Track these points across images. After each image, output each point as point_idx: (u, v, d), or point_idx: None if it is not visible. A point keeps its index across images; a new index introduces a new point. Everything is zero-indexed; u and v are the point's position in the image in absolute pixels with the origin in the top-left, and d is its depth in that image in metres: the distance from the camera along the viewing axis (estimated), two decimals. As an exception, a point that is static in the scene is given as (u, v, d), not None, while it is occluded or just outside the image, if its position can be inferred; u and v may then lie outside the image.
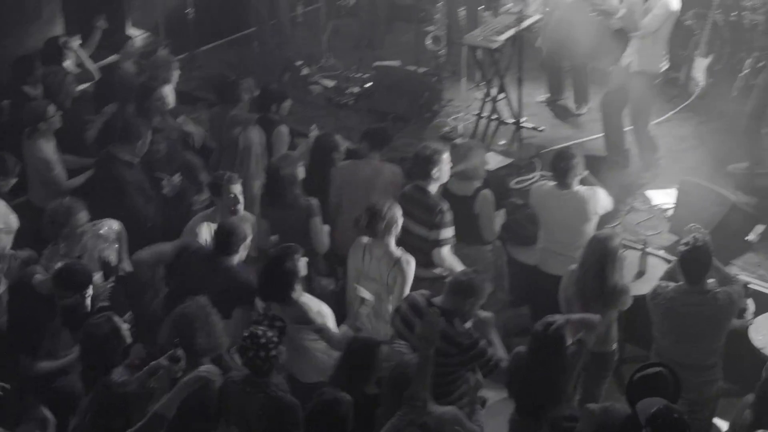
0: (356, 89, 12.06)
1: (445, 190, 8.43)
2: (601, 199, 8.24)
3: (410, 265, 7.63)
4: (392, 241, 7.66)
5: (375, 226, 7.60)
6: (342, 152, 9.00)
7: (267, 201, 8.57)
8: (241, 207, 8.22)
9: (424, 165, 8.16)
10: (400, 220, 7.69)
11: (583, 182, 8.28)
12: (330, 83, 12.29)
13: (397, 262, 7.61)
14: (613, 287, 7.38)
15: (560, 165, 8.19)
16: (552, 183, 8.33)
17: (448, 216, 8.08)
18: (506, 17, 11.19)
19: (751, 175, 10.27)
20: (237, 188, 8.20)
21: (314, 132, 9.59)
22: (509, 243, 9.05)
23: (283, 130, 9.56)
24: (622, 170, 10.07)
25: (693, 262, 7.07)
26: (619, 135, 10.46)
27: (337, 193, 8.75)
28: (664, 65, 10.15)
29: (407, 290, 7.54)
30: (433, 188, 8.23)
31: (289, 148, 9.50)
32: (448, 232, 8.12)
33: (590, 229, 8.17)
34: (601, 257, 7.38)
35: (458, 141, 10.76)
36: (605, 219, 8.61)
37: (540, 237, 8.49)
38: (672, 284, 7.18)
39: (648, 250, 8.67)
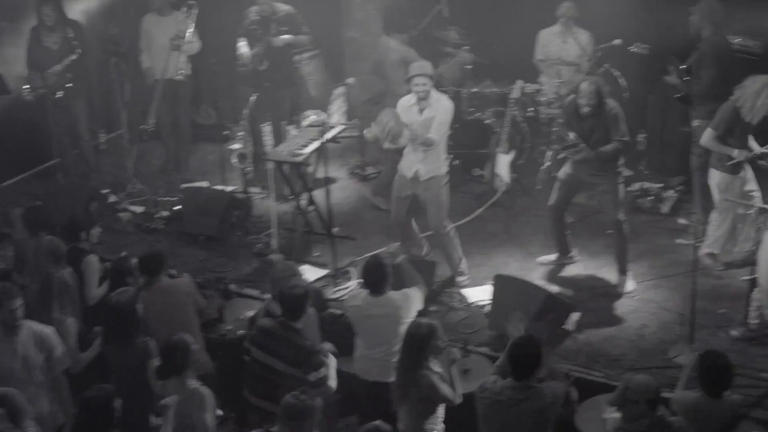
0: (165, 213, 11.90)
1: (267, 313, 8.32)
2: (414, 301, 8.27)
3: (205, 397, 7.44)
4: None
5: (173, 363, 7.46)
6: (137, 277, 8.82)
7: (105, 339, 8.26)
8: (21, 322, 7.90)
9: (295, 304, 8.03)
10: (195, 346, 7.58)
11: (398, 270, 8.35)
12: (138, 209, 12.11)
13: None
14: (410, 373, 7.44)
15: (372, 273, 8.21)
16: (365, 291, 8.31)
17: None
18: (310, 131, 11.27)
19: (560, 265, 10.53)
20: (17, 302, 7.88)
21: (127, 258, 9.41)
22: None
23: (93, 259, 9.33)
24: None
25: (521, 358, 7.12)
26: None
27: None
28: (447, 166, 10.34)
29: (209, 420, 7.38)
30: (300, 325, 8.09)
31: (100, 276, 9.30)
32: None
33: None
34: (411, 346, 7.44)
35: (272, 257, 10.73)
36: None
37: (357, 345, 8.43)
38: (500, 379, 7.21)
39: (470, 347, 8.71)
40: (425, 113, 9.96)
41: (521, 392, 7.07)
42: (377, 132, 9.90)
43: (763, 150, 9.86)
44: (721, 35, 10.73)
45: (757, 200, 9.89)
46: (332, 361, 8.07)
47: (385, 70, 11.88)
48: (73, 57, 12.21)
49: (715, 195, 10.12)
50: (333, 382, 7.96)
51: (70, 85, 12.30)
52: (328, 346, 8.34)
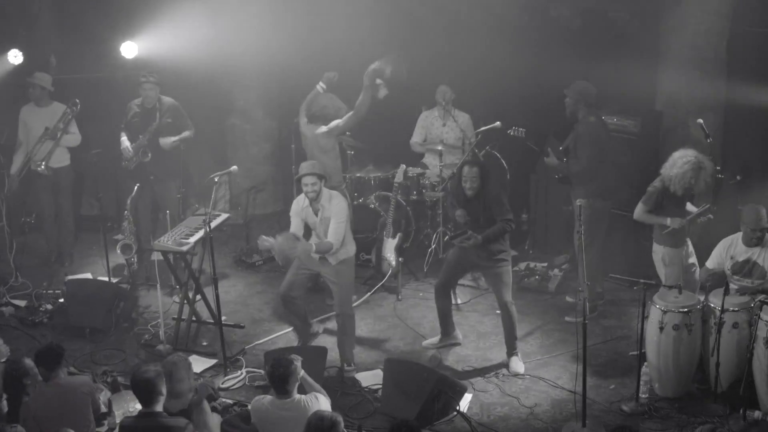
0: (49, 306, 11.65)
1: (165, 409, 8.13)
2: (324, 405, 8.13)
3: None
4: None
5: None
6: (34, 375, 8.58)
7: None
8: None
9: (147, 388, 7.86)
10: None
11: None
12: (21, 303, 11.83)
13: None
14: None
15: (277, 373, 8.08)
16: (269, 396, 8.19)
17: None
18: (194, 219, 11.19)
19: (449, 346, 10.59)
20: None
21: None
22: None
23: None
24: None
25: None
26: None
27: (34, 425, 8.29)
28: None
29: None
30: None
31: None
32: None
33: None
34: None
35: (160, 348, 10.57)
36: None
37: None
38: None
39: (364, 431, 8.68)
40: (320, 214, 9.99)
41: None
42: (274, 249, 9.82)
43: (699, 210, 10.10)
44: (596, 115, 10.98)
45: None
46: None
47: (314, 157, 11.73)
48: None
49: (660, 270, 10.30)
50: None
51: None
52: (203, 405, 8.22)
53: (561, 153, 11.01)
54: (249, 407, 8.45)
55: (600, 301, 11.34)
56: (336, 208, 9.97)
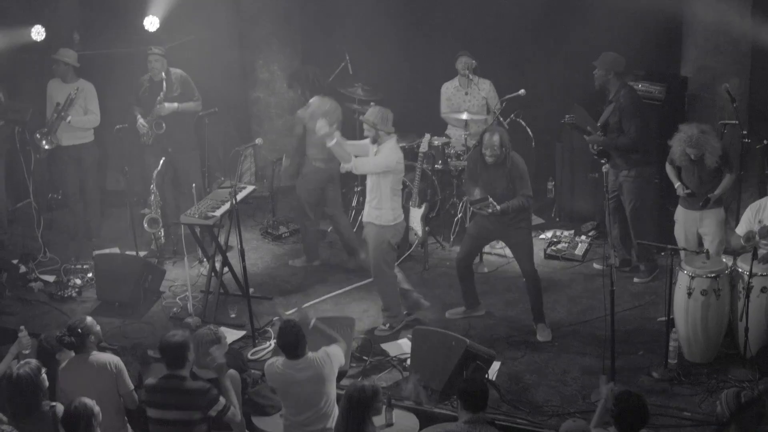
0: (78, 281, 11.72)
1: (193, 375, 8.18)
2: (336, 358, 8.22)
3: None
4: None
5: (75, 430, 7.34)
6: (68, 353, 8.65)
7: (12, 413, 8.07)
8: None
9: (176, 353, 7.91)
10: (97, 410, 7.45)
11: (314, 332, 8.41)
12: (50, 278, 11.90)
13: None
14: None
15: (287, 338, 8.13)
16: (282, 357, 8.24)
17: None
18: (220, 192, 11.22)
19: (476, 317, 10.60)
20: None
21: (23, 333, 9.18)
22: (252, 415, 8.84)
23: None
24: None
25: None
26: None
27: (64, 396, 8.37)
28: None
29: None
30: None
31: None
32: None
33: (332, 389, 8.15)
34: (355, 409, 7.38)
35: (189, 320, 10.62)
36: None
37: (285, 415, 8.32)
38: None
39: (393, 401, 8.67)
40: (372, 153, 10.16)
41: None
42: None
43: (686, 191, 10.10)
44: (628, 86, 10.93)
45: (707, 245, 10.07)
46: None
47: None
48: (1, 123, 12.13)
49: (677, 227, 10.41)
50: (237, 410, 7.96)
51: None
52: (231, 371, 8.27)
53: (599, 128, 10.92)
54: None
55: (627, 267, 11.35)
56: (384, 150, 10.03)
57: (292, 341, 8.12)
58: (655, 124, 11.40)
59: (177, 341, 7.88)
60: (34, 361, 8.10)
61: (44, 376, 7.89)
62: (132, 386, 8.52)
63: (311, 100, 11.35)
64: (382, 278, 10.36)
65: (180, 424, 7.78)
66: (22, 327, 9.20)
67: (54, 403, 7.89)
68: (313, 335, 8.59)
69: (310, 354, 8.18)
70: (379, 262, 10.27)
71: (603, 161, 10.00)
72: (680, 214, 10.32)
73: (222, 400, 7.82)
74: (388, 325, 10.42)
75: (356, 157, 10.14)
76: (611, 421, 7.13)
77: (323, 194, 11.74)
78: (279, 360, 8.26)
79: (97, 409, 7.44)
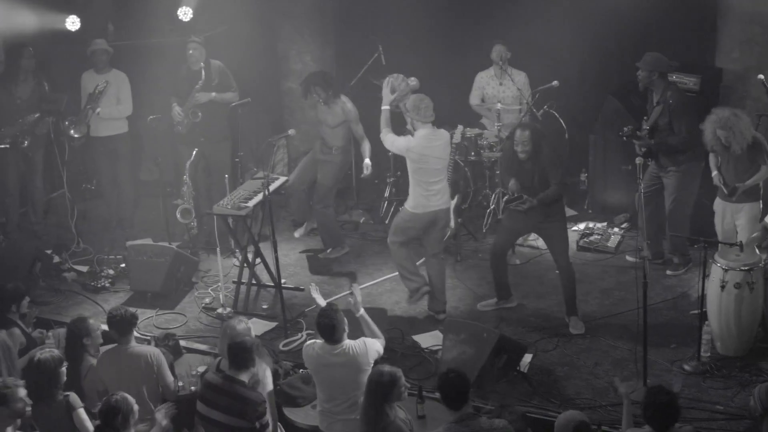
0: (111, 271, 11.78)
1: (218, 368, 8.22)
2: (372, 349, 8.23)
3: None
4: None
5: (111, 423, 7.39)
6: (95, 337, 8.73)
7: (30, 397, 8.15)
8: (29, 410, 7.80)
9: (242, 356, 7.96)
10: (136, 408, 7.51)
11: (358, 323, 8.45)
12: (83, 269, 11.98)
13: None
14: (376, 424, 7.41)
15: (326, 323, 8.15)
16: (320, 341, 8.26)
17: None
18: (252, 183, 11.24)
19: (508, 308, 10.60)
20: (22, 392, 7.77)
21: (50, 340, 9.28)
22: (284, 406, 8.85)
23: (17, 332, 9.22)
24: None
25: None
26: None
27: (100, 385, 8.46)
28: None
29: None
30: None
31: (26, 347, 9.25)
32: None
33: (365, 379, 8.12)
34: (376, 394, 7.44)
35: (221, 311, 10.67)
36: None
37: (319, 399, 8.36)
38: None
39: (424, 393, 8.66)
40: None
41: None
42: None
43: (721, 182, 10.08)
44: (674, 85, 10.88)
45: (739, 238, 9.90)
46: None
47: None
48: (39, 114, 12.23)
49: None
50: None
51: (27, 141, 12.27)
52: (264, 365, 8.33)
53: (647, 131, 10.84)
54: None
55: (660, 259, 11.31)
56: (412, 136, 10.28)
57: (329, 325, 8.13)
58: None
59: (245, 345, 7.90)
60: (57, 352, 8.22)
61: (64, 369, 8.04)
62: (172, 378, 8.60)
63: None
64: (393, 255, 10.55)
65: (226, 428, 7.77)
66: (49, 334, 9.35)
67: (67, 393, 8.02)
68: (357, 325, 8.58)
69: (347, 341, 8.19)
70: (392, 239, 10.42)
71: (649, 161, 9.96)
72: (718, 205, 10.25)
73: (266, 418, 7.83)
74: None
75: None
76: (641, 420, 7.12)
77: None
78: (318, 343, 8.29)
79: (136, 406, 7.52)
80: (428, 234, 10.42)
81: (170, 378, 8.59)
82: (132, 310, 8.77)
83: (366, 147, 11.71)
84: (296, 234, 12.47)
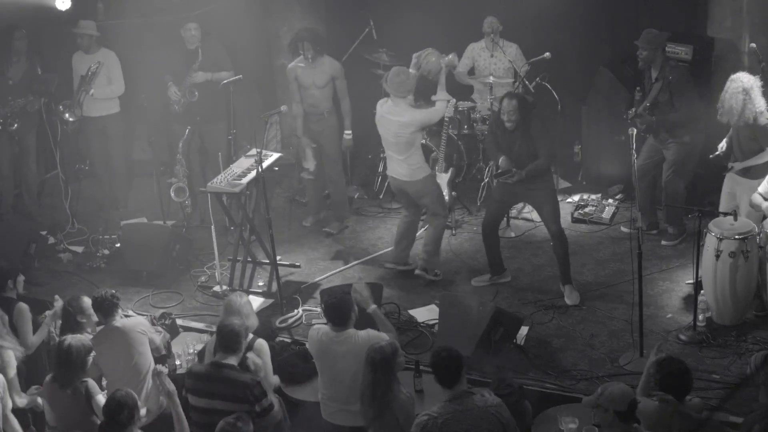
0: (106, 251, 11.77)
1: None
2: (377, 340, 8.16)
3: None
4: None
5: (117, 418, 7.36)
6: (89, 315, 8.73)
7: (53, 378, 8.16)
8: None
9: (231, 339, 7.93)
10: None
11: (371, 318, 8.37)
12: (78, 249, 11.97)
13: None
14: (382, 399, 7.40)
15: (335, 307, 8.07)
16: (326, 326, 8.19)
17: None
18: (246, 160, 11.22)
19: (493, 285, 10.61)
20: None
21: (59, 303, 9.25)
22: (283, 384, 8.84)
23: (23, 307, 9.18)
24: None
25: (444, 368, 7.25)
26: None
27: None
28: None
29: None
30: None
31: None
32: None
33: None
34: (379, 369, 7.42)
35: (217, 289, 10.67)
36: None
37: (320, 385, 8.28)
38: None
39: (421, 368, 8.66)
40: None
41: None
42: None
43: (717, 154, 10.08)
44: (672, 60, 10.87)
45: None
46: None
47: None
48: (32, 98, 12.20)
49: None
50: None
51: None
52: (275, 379, 8.32)
53: (647, 108, 10.82)
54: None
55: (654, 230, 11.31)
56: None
57: (339, 312, 8.04)
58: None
59: (233, 329, 7.86)
60: (87, 340, 8.20)
61: (91, 358, 8.00)
62: (158, 337, 8.77)
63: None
64: None
65: (220, 414, 7.60)
66: (56, 296, 9.32)
67: (86, 379, 7.99)
68: (368, 319, 8.51)
69: (352, 330, 8.10)
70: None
71: (649, 136, 9.94)
72: (727, 178, 10.21)
73: (267, 398, 7.79)
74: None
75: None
76: (656, 388, 7.13)
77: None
78: (323, 328, 8.20)
79: (139, 402, 7.52)
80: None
81: (157, 339, 8.71)
82: (112, 291, 8.76)
83: (347, 107, 11.87)
84: (305, 223, 12.39)
